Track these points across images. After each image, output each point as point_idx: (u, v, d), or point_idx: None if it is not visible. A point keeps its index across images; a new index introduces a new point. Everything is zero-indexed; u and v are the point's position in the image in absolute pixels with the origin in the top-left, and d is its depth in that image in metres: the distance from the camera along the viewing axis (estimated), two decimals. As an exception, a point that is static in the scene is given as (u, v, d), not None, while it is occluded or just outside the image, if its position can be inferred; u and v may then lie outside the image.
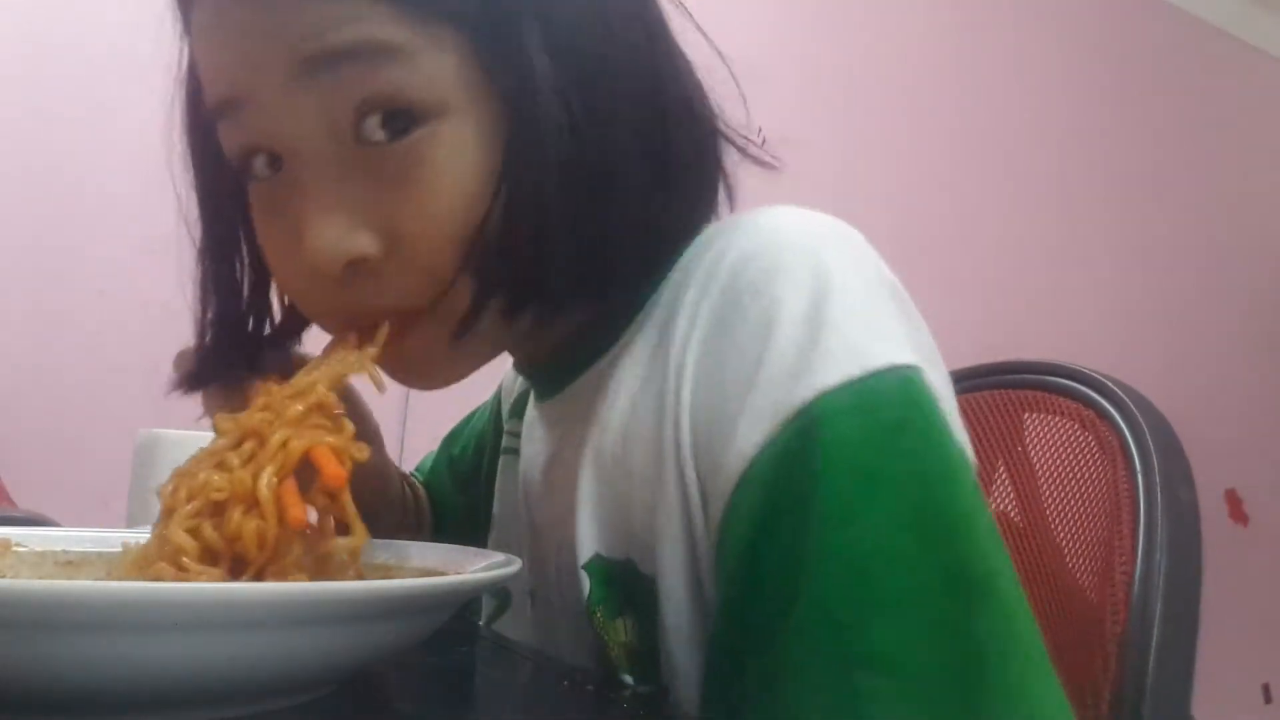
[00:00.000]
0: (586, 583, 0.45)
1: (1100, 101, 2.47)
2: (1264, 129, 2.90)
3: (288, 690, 0.32)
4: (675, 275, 0.45)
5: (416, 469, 0.78)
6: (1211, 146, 2.76)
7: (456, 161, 0.41)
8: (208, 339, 0.50)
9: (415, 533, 0.70)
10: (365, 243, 0.41)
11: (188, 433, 0.75)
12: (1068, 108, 2.40)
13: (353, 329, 0.44)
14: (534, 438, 0.55)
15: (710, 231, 0.46)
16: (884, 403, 0.35)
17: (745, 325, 0.39)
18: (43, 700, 0.27)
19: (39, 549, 0.43)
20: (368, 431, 0.58)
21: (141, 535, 0.40)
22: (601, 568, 0.44)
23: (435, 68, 0.40)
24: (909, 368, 0.36)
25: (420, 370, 0.46)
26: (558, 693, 0.40)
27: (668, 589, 0.40)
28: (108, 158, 1.59)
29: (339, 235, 0.41)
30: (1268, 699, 2.56)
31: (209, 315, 0.50)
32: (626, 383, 0.45)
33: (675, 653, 0.41)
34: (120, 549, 0.41)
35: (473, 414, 0.77)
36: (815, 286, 0.38)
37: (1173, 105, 2.67)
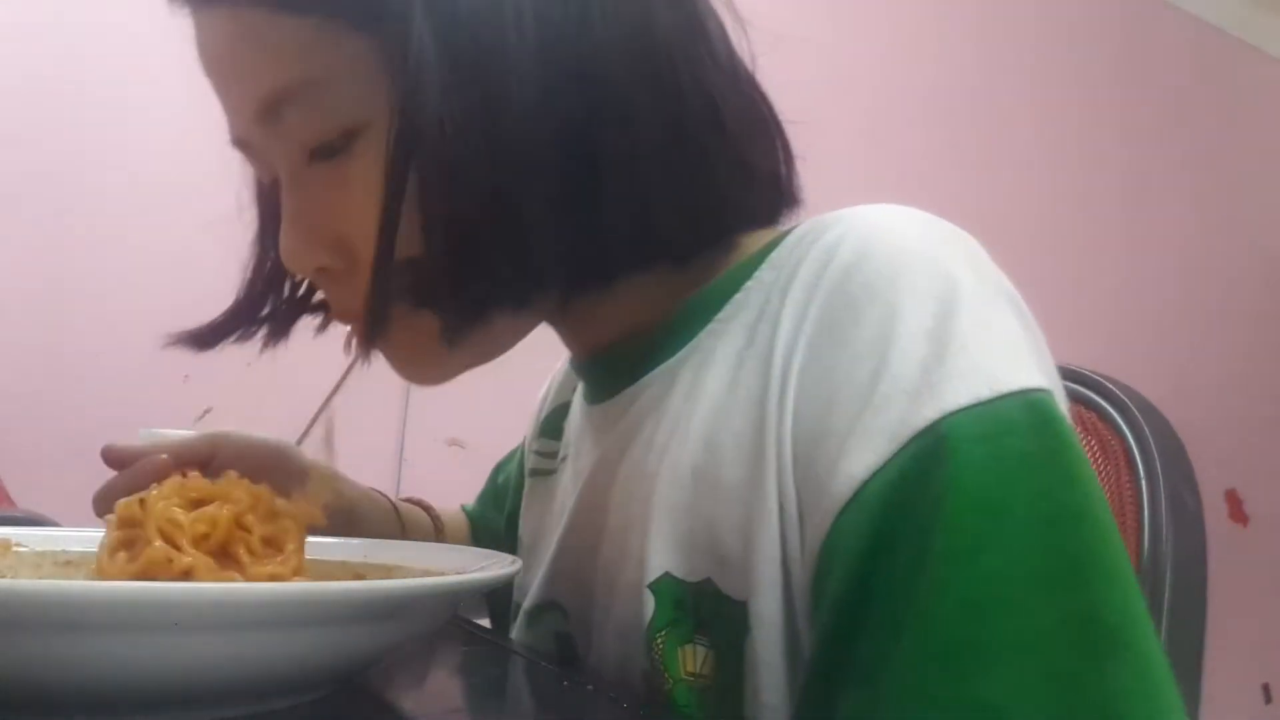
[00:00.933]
0: (650, 604, 0.41)
1: (1101, 102, 2.47)
2: (1264, 129, 2.90)
3: (288, 690, 0.32)
4: (765, 274, 0.43)
5: (464, 507, 0.77)
6: (1212, 147, 2.75)
7: (379, 172, 0.40)
8: (227, 310, 0.53)
9: None
10: (322, 256, 0.44)
11: (188, 433, 0.75)
12: (1068, 108, 2.39)
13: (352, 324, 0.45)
14: (584, 448, 0.53)
15: (806, 228, 0.43)
16: (1013, 430, 0.32)
17: (860, 332, 0.36)
18: (43, 700, 0.27)
19: (39, 549, 0.43)
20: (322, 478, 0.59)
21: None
22: (672, 588, 0.41)
23: (355, 87, 0.41)
24: (1040, 391, 0.34)
25: (411, 366, 0.47)
26: (558, 693, 0.40)
27: (761, 614, 0.37)
28: (109, 160, 1.59)
29: (300, 248, 0.44)
30: (1268, 699, 2.56)
31: (239, 292, 0.53)
32: (707, 386, 0.42)
33: (763, 683, 0.37)
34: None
35: (519, 447, 0.75)
36: (939, 297, 0.35)
37: (1174, 106, 2.67)
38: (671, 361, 0.45)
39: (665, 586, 0.41)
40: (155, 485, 0.37)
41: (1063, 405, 0.35)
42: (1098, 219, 2.43)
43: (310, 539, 0.45)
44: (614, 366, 0.49)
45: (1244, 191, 2.80)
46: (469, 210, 0.40)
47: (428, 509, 0.70)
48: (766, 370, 0.39)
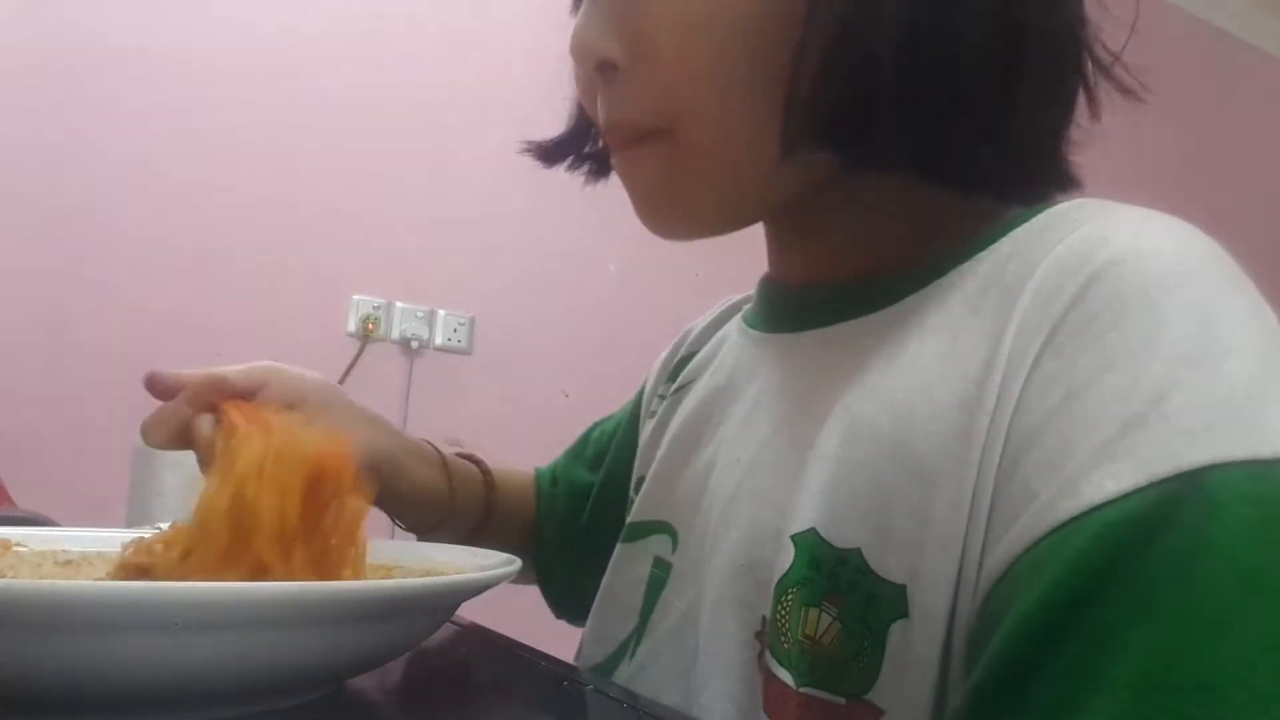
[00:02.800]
0: (790, 554, 0.38)
1: (1100, 102, 2.47)
2: (1265, 129, 2.89)
3: (288, 690, 0.32)
4: (1003, 247, 0.39)
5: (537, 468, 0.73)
6: (1212, 147, 2.75)
7: None
8: (564, 132, 0.54)
9: (482, 521, 0.63)
10: (609, 46, 0.41)
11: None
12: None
13: (613, 140, 0.44)
14: (740, 373, 0.49)
15: (1062, 209, 0.39)
16: None
17: (1119, 337, 0.31)
18: (43, 700, 0.27)
19: (39, 549, 0.43)
20: (358, 421, 0.56)
21: (142, 535, 0.40)
22: (814, 546, 0.37)
23: None
24: None
25: (651, 203, 0.45)
26: (558, 692, 0.40)
27: (925, 604, 0.34)
28: (110, 159, 1.59)
29: (592, 35, 0.41)
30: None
31: (567, 121, 0.54)
32: (909, 348, 0.38)
33: (910, 677, 0.34)
34: (120, 549, 0.41)
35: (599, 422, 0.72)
36: (1215, 328, 0.31)
37: (1173, 106, 2.67)
38: (874, 316, 0.42)
39: (808, 542, 0.38)
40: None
41: None
42: (1098, 219, 2.43)
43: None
44: (810, 304, 0.46)
45: (1244, 191, 2.80)
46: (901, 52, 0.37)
47: (479, 463, 0.66)
48: (994, 349, 0.35)
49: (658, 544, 0.49)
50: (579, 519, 0.65)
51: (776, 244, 0.50)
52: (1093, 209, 0.38)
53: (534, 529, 0.68)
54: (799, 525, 0.38)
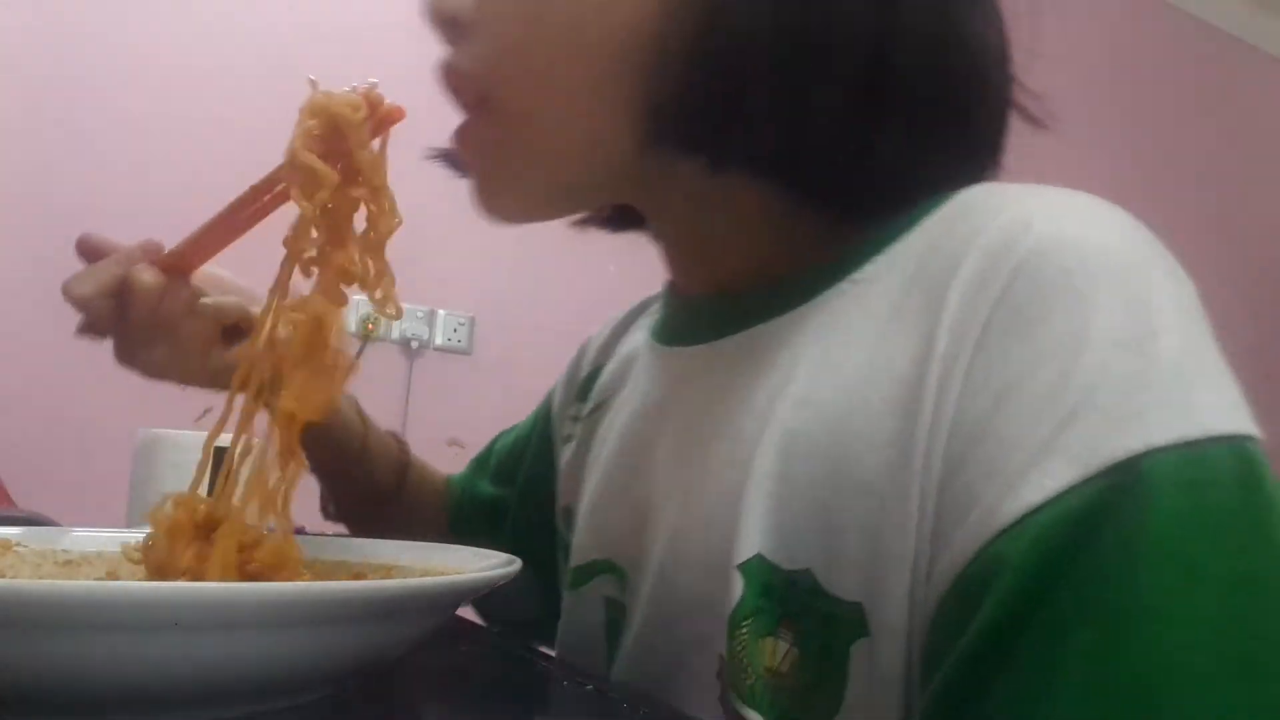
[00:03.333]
0: (738, 586, 0.36)
1: (1100, 102, 2.46)
2: (1265, 129, 2.89)
3: (288, 690, 0.32)
4: (915, 240, 0.37)
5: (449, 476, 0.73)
6: (1212, 147, 2.75)
7: None
8: None
9: (395, 491, 0.64)
10: (454, 5, 0.41)
11: (188, 433, 0.75)
12: (1066, 108, 2.39)
13: (452, 95, 0.43)
14: (650, 393, 0.47)
15: (977, 195, 0.37)
16: (1219, 482, 0.28)
17: (1049, 328, 0.31)
18: (43, 700, 0.27)
19: (39, 549, 0.43)
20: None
21: (142, 535, 0.40)
22: (762, 572, 0.36)
23: None
24: (1249, 439, 0.29)
25: (480, 177, 0.44)
26: (558, 692, 0.40)
27: (884, 621, 0.32)
28: (108, 158, 1.59)
29: None
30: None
31: None
32: (834, 355, 0.37)
33: (877, 698, 0.33)
34: (120, 549, 0.41)
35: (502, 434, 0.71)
36: (1147, 307, 0.31)
37: (1173, 106, 2.67)
38: (790, 316, 0.40)
39: (755, 569, 0.36)
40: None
41: None
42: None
43: (310, 537, 0.45)
44: (719, 310, 0.44)
45: (1244, 191, 2.80)
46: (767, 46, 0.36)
47: (401, 442, 0.66)
48: (925, 349, 0.33)
49: (606, 585, 0.47)
50: (497, 537, 0.62)
51: (670, 254, 0.48)
52: (1011, 194, 0.36)
53: (448, 533, 0.67)
54: (745, 553, 0.36)
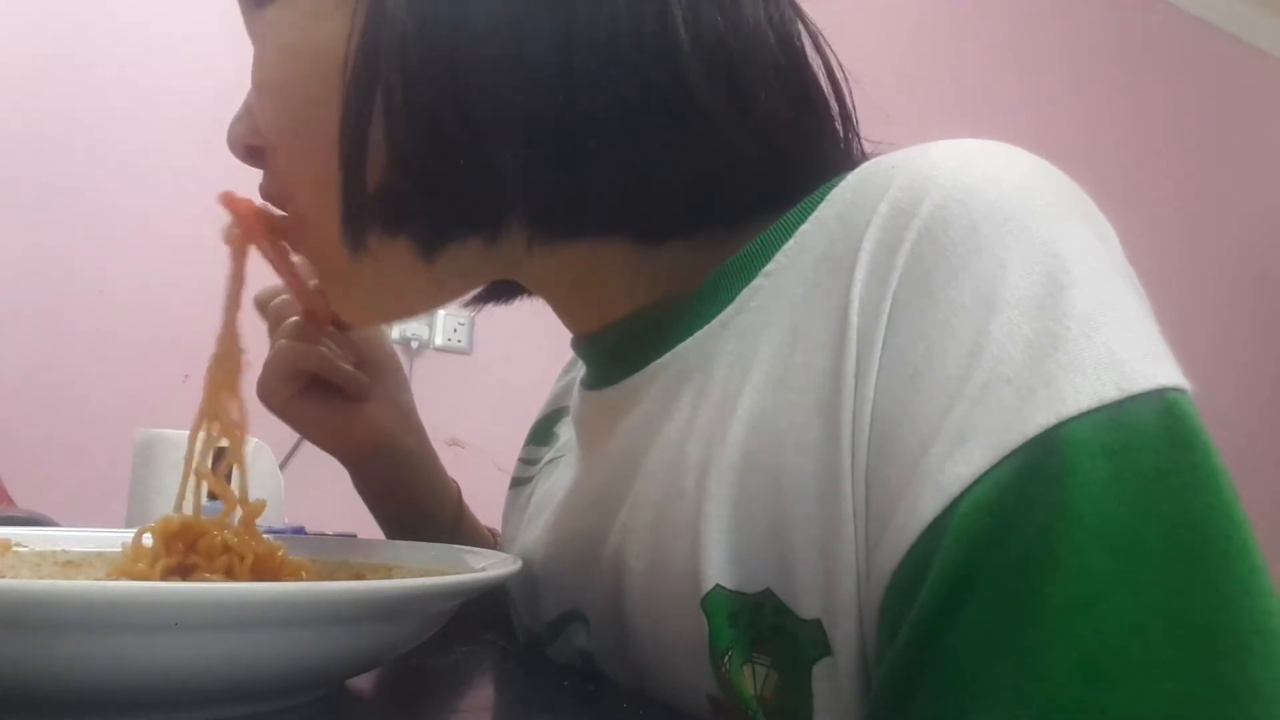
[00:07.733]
0: (704, 624, 0.34)
1: (1100, 101, 2.47)
2: (1264, 129, 2.90)
3: (287, 690, 0.32)
4: (825, 211, 0.35)
5: None
6: (1211, 147, 2.75)
7: (302, 33, 0.37)
8: None
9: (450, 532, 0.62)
10: (244, 130, 0.41)
11: (187, 433, 0.75)
12: (1066, 107, 2.39)
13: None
14: (589, 441, 0.45)
15: (885, 160, 0.34)
16: (1145, 442, 0.25)
17: (954, 294, 0.28)
18: (43, 700, 0.27)
19: (39, 549, 0.43)
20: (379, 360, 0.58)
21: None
22: (723, 602, 0.33)
23: None
24: (1177, 391, 0.27)
25: (327, 289, 0.44)
26: (558, 692, 0.40)
27: (841, 635, 0.30)
28: (107, 158, 1.59)
29: (238, 118, 0.42)
30: None
31: None
32: (759, 353, 0.34)
33: (844, 717, 0.31)
34: (120, 549, 0.41)
35: None
36: (1056, 259, 0.28)
37: (1173, 106, 2.67)
38: (711, 327, 0.37)
39: (716, 601, 0.33)
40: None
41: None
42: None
43: (310, 537, 0.45)
44: (628, 340, 0.41)
45: (1244, 192, 2.80)
46: (432, 130, 0.36)
47: (496, 537, 0.62)
48: (840, 330, 0.31)
49: (576, 633, 0.45)
50: None
51: (558, 309, 0.46)
52: (915, 151, 0.33)
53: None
54: (705, 587, 0.33)
